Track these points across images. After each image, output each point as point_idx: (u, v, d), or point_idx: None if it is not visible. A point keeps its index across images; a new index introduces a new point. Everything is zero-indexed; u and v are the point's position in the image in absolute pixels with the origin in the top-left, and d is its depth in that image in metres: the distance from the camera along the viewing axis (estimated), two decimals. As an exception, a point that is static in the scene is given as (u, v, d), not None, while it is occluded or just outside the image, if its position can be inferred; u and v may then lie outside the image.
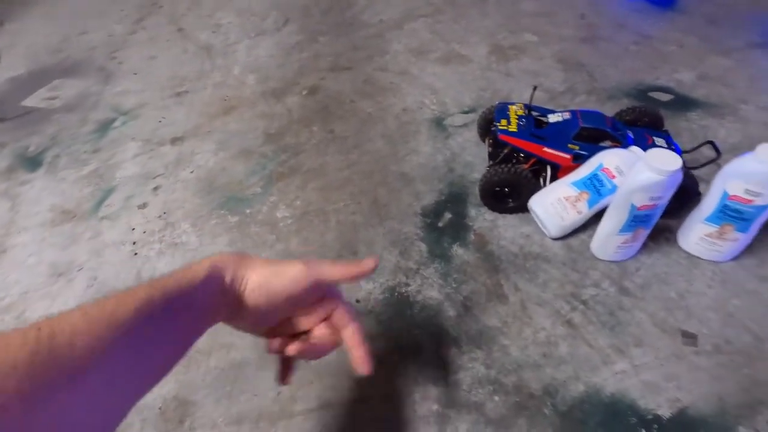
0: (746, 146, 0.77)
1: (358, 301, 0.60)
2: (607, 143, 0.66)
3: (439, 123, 0.89)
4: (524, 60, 1.04)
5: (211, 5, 1.46)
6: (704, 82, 0.91)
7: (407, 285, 0.61)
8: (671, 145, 0.67)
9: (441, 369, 0.52)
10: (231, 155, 0.87)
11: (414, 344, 0.55)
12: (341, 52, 1.14)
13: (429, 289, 0.61)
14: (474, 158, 0.79)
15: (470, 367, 0.52)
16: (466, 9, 1.27)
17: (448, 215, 0.71)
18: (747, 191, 0.51)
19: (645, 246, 0.62)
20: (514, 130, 0.66)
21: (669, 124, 0.83)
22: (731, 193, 0.52)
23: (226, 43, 1.24)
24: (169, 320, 0.29)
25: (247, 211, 0.75)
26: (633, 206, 0.53)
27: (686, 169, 0.65)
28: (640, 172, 0.51)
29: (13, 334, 0.23)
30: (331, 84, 1.03)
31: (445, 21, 1.23)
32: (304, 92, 1.02)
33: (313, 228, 0.71)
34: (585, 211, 0.62)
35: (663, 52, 1.01)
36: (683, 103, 0.87)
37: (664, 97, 0.89)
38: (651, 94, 0.90)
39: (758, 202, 0.51)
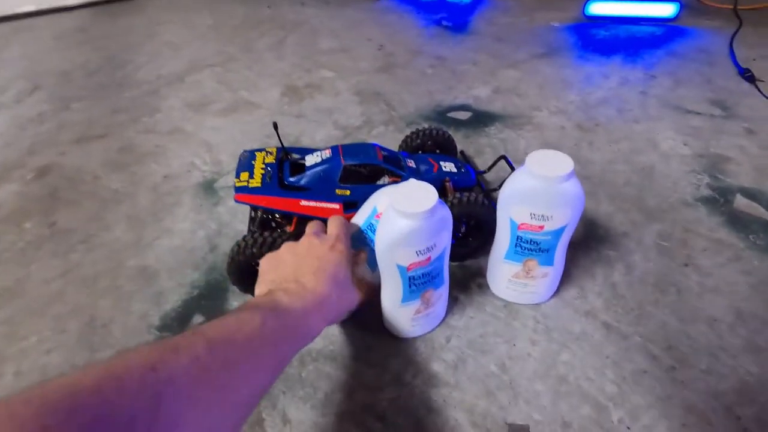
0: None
1: None
2: (386, 179, 0.51)
3: (209, 187, 0.68)
4: (319, 98, 0.91)
5: (-70, 83, 1.11)
6: (499, 95, 0.87)
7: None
8: (463, 168, 0.56)
9: None
10: None
11: None
12: (97, 118, 0.90)
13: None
14: (246, 226, 0.60)
15: None
16: (262, 54, 1.13)
17: (198, 320, 0.49)
18: (533, 216, 0.39)
19: (455, 302, 0.48)
20: (257, 185, 0.48)
21: (470, 142, 0.74)
22: (518, 221, 0.40)
23: (-64, 128, 0.91)
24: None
25: None
26: (402, 268, 0.37)
27: (484, 194, 0.53)
28: (390, 221, 0.35)
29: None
30: (72, 159, 0.77)
31: (236, 69, 1.06)
32: (30, 176, 0.74)
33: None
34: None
35: (458, 71, 0.97)
36: (481, 119, 0.80)
37: (463, 115, 0.82)
38: (450, 114, 0.82)
39: (550, 226, 0.39)
